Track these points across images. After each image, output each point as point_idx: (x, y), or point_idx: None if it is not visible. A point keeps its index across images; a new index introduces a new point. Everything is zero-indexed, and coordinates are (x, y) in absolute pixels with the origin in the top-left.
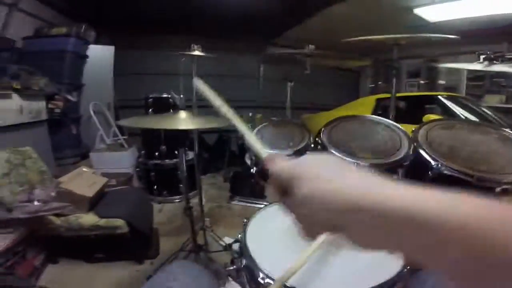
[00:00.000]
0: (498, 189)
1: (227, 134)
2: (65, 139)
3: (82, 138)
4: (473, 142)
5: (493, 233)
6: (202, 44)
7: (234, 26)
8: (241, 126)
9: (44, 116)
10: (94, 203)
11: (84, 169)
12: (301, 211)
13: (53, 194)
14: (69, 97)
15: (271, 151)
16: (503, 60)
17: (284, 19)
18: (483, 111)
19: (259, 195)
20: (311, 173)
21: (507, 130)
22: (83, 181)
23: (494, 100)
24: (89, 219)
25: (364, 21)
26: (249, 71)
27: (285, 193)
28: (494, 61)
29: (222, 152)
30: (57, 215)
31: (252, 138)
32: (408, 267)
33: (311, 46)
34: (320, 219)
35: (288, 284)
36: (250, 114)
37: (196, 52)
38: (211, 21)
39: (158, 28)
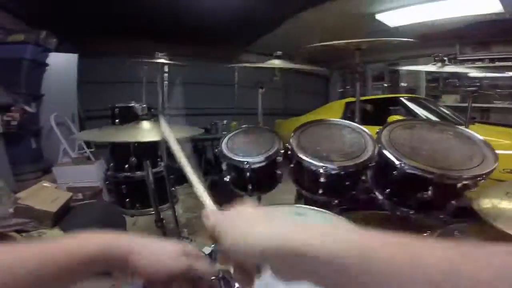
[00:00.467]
0: (459, 185)
1: (202, 143)
2: (24, 153)
3: (44, 152)
4: (432, 141)
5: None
6: (173, 50)
7: (208, 33)
8: (192, 177)
9: None
10: (59, 219)
11: (45, 184)
12: (230, 255)
13: (11, 210)
14: (27, 108)
15: (212, 207)
16: (455, 61)
17: (258, 27)
18: (442, 110)
19: (237, 203)
20: (234, 227)
21: (460, 127)
22: (45, 196)
23: (450, 100)
24: (53, 235)
25: (331, 28)
26: (224, 78)
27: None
28: (446, 63)
29: (197, 161)
30: (19, 231)
31: (200, 188)
32: None
33: (278, 53)
34: (247, 260)
35: None
36: (225, 122)
37: (161, 60)
38: (184, 28)
39: (127, 34)
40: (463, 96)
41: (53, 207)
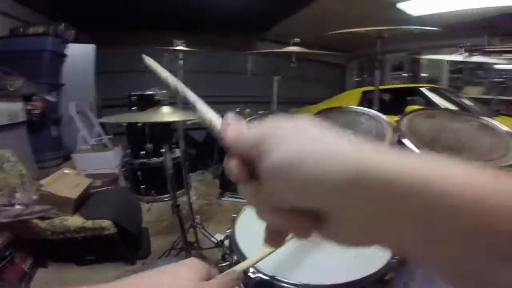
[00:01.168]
0: None
1: None
2: (45, 141)
3: (64, 140)
4: (453, 130)
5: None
6: (187, 40)
7: (222, 22)
8: (190, 96)
9: (22, 118)
10: (79, 205)
11: (66, 171)
12: (275, 189)
13: (34, 197)
14: (48, 97)
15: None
16: (483, 52)
17: (273, 14)
18: (463, 102)
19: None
20: (287, 134)
21: (484, 118)
22: (66, 183)
23: (474, 91)
24: (74, 221)
25: (350, 16)
26: (237, 66)
27: (250, 168)
28: (474, 53)
29: (210, 148)
30: (42, 218)
31: (203, 107)
32: (397, 257)
33: (296, 39)
34: (301, 198)
35: (269, 273)
36: (238, 109)
37: (180, 47)
38: (198, 17)
39: (142, 25)
40: (488, 88)
41: (74, 194)
